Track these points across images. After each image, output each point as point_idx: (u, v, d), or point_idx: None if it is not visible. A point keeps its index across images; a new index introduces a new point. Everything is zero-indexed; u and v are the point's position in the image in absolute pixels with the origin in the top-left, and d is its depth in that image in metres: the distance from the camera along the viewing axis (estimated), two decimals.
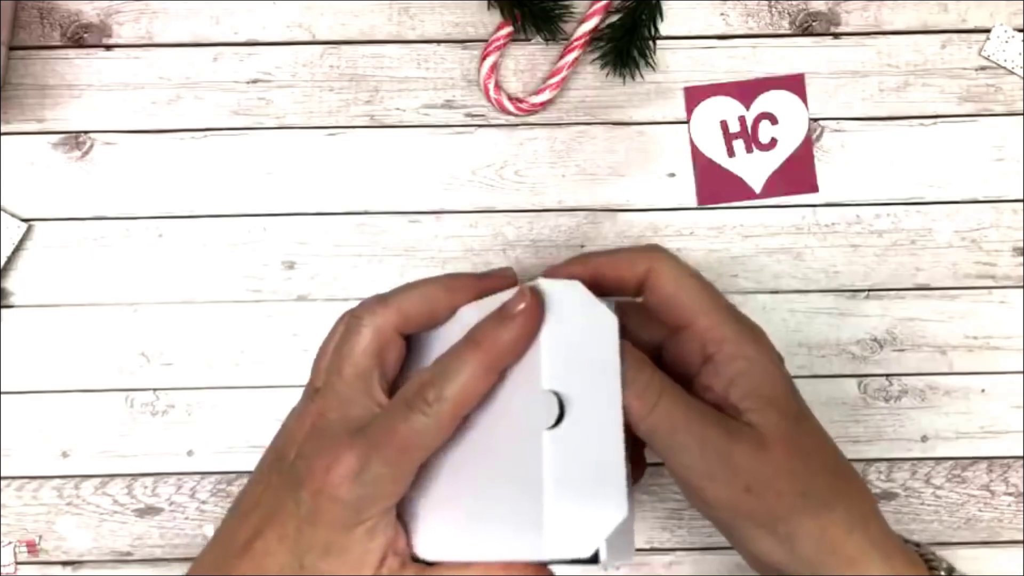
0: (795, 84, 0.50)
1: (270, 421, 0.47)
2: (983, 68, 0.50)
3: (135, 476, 0.49)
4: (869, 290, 0.49)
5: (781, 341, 0.49)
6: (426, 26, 0.50)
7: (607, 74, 0.50)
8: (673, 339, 0.35)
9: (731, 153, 0.50)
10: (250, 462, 0.37)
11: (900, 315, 0.49)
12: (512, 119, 0.50)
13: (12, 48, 0.49)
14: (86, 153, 0.49)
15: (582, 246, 0.49)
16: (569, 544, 0.29)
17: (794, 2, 0.50)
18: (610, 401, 0.31)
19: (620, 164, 0.50)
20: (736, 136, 0.50)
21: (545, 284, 0.31)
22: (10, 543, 0.48)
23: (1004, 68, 0.50)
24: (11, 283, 0.49)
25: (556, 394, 0.29)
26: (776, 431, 0.32)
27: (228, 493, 0.48)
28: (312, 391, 0.34)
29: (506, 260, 0.49)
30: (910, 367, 0.49)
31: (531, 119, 0.50)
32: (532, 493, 0.29)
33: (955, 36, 0.50)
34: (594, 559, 0.30)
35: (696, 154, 0.50)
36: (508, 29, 0.49)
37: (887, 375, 0.49)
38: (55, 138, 0.49)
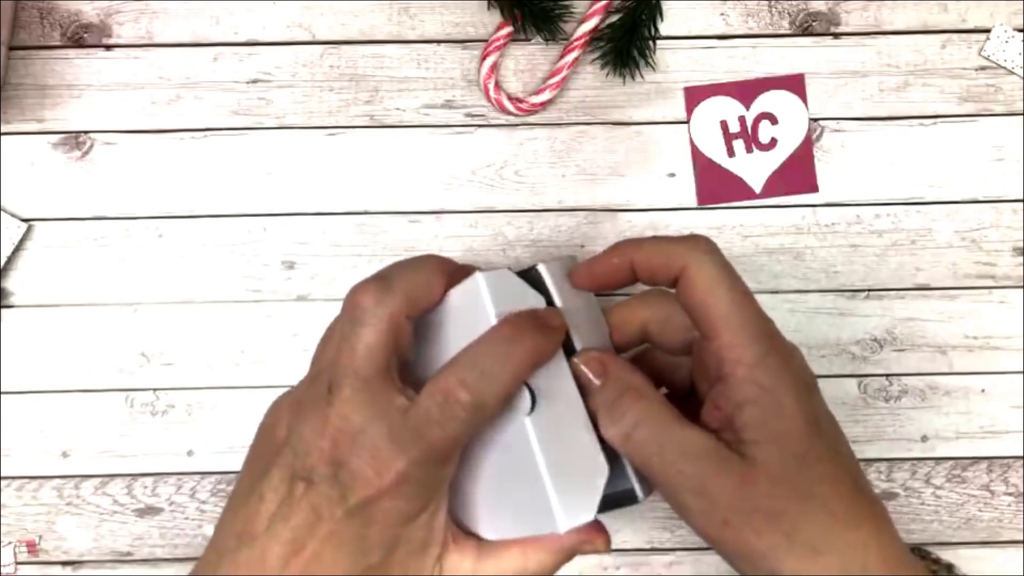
0: (795, 84, 0.50)
1: None
2: (983, 68, 0.50)
3: (135, 476, 0.49)
4: (869, 290, 0.49)
5: None
6: (426, 26, 0.50)
7: (607, 74, 0.50)
8: (699, 344, 0.34)
9: (731, 153, 0.50)
10: None
11: (900, 315, 0.49)
12: (512, 119, 0.50)
13: (12, 48, 0.49)
14: (86, 153, 0.49)
15: (582, 246, 0.49)
16: (577, 513, 0.32)
17: (794, 2, 0.50)
18: (561, 372, 0.34)
19: (620, 164, 0.50)
20: (736, 136, 0.50)
21: (482, 276, 0.33)
22: (10, 543, 0.48)
23: (1004, 68, 0.50)
24: (11, 283, 0.49)
25: (526, 385, 0.32)
26: (770, 468, 0.31)
27: (228, 493, 0.48)
28: (323, 391, 0.32)
29: (506, 260, 0.49)
30: (910, 367, 0.49)
31: (531, 119, 0.50)
32: (533, 476, 0.32)
33: (955, 36, 0.50)
34: (632, 499, 0.34)
35: (696, 154, 0.50)
36: (508, 29, 0.49)
37: (887, 375, 0.49)
38: (55, 138, 0.49)
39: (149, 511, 0.49)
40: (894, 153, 0.50)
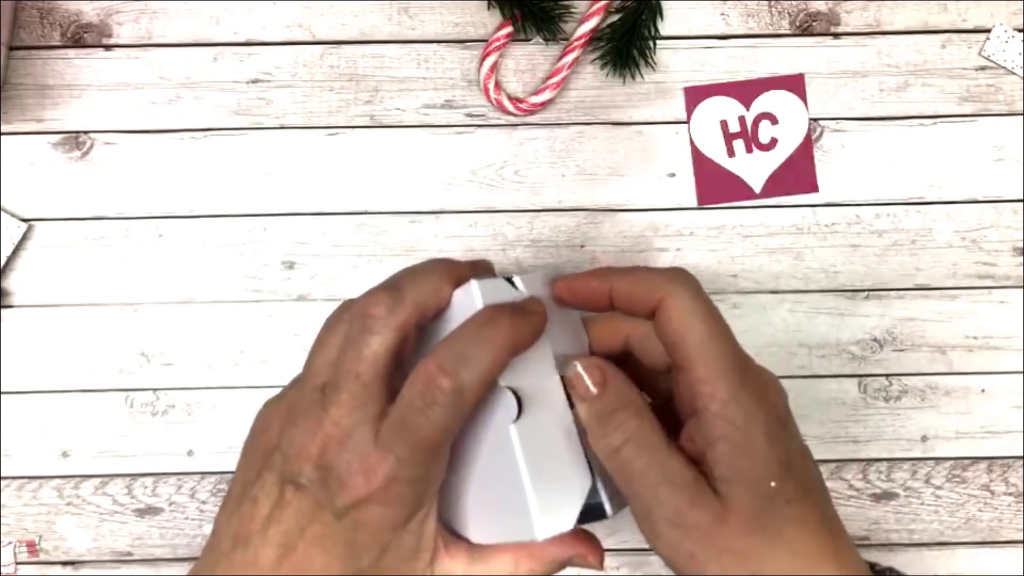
0: (795, 84, 0.50)
1: None
2: (983, 68, 0.50)
3: (135, 476, 0.49)
4: (869, 290, 0.49)
5: (781, 341, 0.49)
6: (426, 26, 0.50)
7: (607, 74, 0.50)
8: (676, 376, 0.34)
9: (731, 153, 0.50)
10: None
11: (900, 315, 0.49)
12: (512, 119, 0.50)
13: (12, 48, 0.49)
14: (86, 153, 0.49)
15: (582, 246, 0.49)
16: (555, 522, 0.32)
17: (794, 2, 0.50)
18: (551, 382, 0.34)
19: (620, 164, 0.50)
20: (736, 136, 0.50)
21: (477, 283, 0.33)
22: (10, 543, 0.48)
23: (1004, 68, 0.50)
24: (11, 283, 0.49)
25: (512, 390, 0.32)
26: (739, 508, 0.31)
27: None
28: (316, 395, 0.32)
29: (506, 260, 0.49)
30: (910, 367, 0.49)
31: (531, 119, 0.50)
32: (515, 483, 0.32)
33: (955, 36, 0.50)
34: (601, 514, 0.34)
35: (696, 154, 0.50)
36: (508, 29, 0.49)
37: (887, 375, 0.49)
38: (55, 138, 0.49)
39: (149, 511, 0.49)
40: (894, 153, 0.50)
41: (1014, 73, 0.50)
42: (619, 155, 0.50)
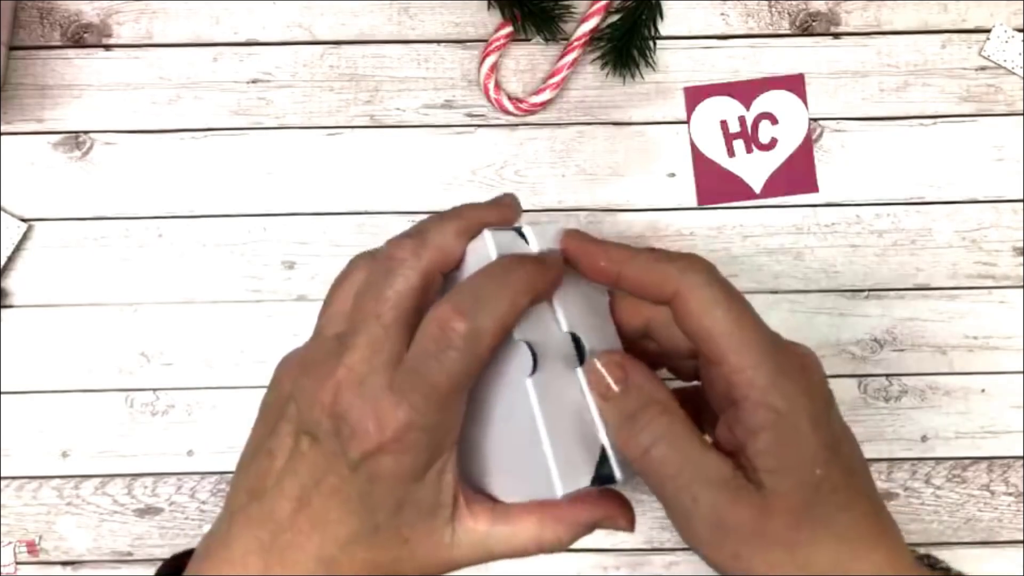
0: (795, 84, 0.50)
1: None
2: (983, 68, 0.50)
3: (135, 476, 0.49)
4: (869, 290, 0.49)
5: None
6: (426, 26, 0.50)
7: (607, 74, 0.50)
8: (705, 369, 0.32)
9: (731, 153, 0.50)
10: None
11: (900, 315, 0.49)
12: (512, 119, 0.50)
13: (12, 48, 0.49)
14: (86, 153, 0.49)
15: None
16: (574, 479, 0.31)
17: (794, 2, 0.50)
18: (563, 338, 0.33)
19: (620, 164, 0.50)
20: (736, 136, 0.50)
21: (490, 232, 0.32)
22: (10, 543, 0.48)
23: (1004, 68, 0.50)
24: (11, 283, 0.49)
25: (527, 343, 0.32)
26: (787, 500, 0.29)
27: (228, 490, 0.48)
28: (332, 343, 0.31)
29: None
30: (910, 367, 0.49)
31: (531, 119, 0.50)
32: (533, 439, 0.31)
33: (955, 36, 0.50)
34: (611, 479, 0.33)
35: (696, 154, 0.50)
36: (508, 29, 0.49)
37: (887, 375, 0.49)
38: (55, 138, 0.49)
39: (149, 511, 0.49)
40: (894, 153, 0.50)
41: (1014, 73, 0.50)
42: (619, 155, 0.50)
